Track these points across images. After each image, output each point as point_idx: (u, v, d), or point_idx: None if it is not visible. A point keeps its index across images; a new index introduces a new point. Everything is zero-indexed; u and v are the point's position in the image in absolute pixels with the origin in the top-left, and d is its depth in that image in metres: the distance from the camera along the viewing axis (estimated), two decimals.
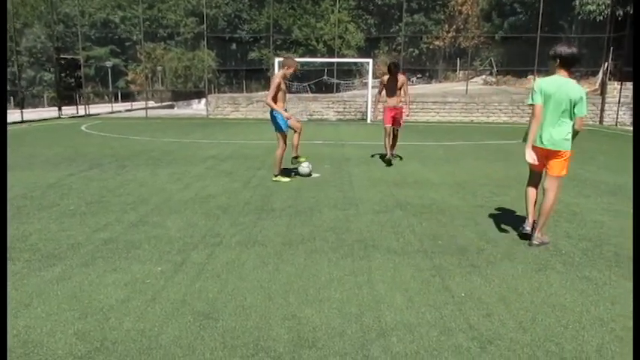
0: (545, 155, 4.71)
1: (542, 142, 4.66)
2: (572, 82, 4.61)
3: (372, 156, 10.88)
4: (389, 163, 9.51)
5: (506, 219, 5.70)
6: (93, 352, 2.83)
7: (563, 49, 4.58)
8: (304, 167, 8.29)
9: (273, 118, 7.65)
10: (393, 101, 9.62)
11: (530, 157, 4.66)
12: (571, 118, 4.60)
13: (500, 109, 22.91)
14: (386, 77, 9.62)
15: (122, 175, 8.33)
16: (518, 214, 5.94)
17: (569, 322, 3.22)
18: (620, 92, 20.76)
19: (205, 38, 28.48)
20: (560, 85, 4.56)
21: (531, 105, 4.71)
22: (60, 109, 24.63)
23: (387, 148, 9.70)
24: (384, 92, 9.74)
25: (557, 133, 4.60)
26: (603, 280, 3.92)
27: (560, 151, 4.64)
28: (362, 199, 6.65)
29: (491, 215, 5.86)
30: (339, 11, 35.64)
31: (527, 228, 4.90)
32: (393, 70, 9.56)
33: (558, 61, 4.59)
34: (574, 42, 23.98)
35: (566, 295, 3.62)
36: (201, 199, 6.65)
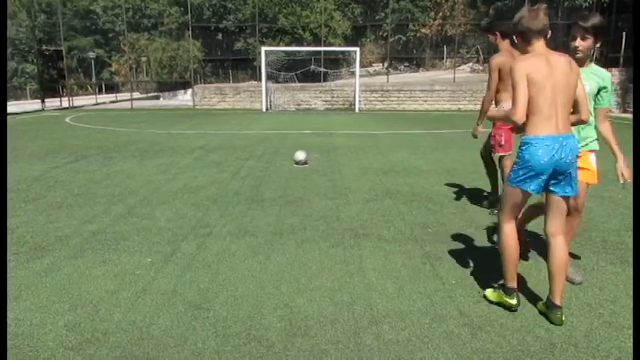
0: None
1: None
2: None
3: None
4: None
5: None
6: (84, 344, 2.81)
7: None
8: (301, 155, 8.32)
9: None
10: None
11: None
12: None
13: None
14: None
15: (109, 167, 8.25)
16: None
17: None
18: None
19: (190, 28, 28.21)
20: None
21: None
22: (43, 102, 24.28)
23: None
24: None
25: None
26: (591, 266, 3.96)
27: None
28: (351, 188, 6.65)
29: (479, 202, 5.89)
30: None
31: None
32: None
33: None
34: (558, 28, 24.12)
35: None
36: (190, 189, 6.61)
